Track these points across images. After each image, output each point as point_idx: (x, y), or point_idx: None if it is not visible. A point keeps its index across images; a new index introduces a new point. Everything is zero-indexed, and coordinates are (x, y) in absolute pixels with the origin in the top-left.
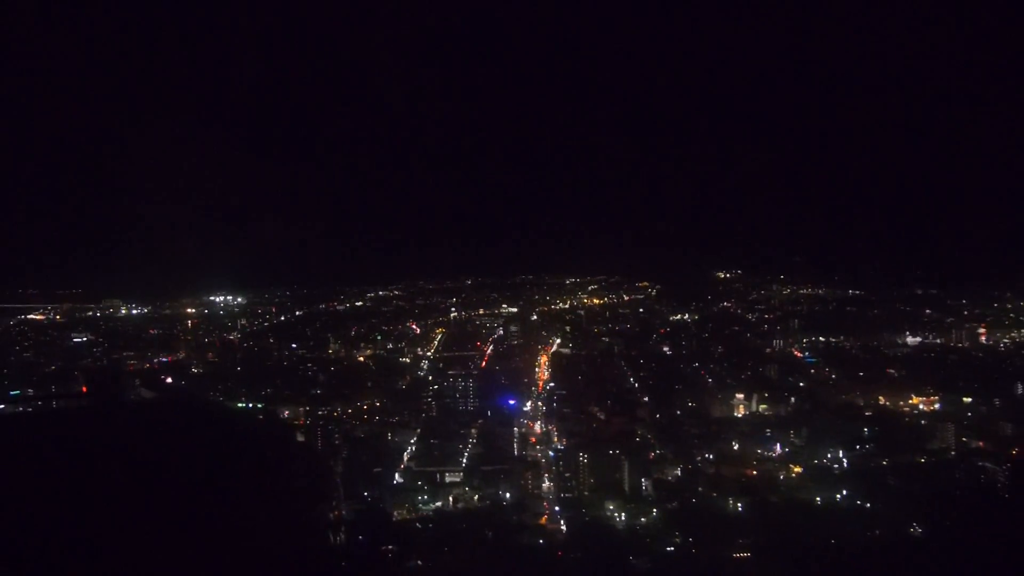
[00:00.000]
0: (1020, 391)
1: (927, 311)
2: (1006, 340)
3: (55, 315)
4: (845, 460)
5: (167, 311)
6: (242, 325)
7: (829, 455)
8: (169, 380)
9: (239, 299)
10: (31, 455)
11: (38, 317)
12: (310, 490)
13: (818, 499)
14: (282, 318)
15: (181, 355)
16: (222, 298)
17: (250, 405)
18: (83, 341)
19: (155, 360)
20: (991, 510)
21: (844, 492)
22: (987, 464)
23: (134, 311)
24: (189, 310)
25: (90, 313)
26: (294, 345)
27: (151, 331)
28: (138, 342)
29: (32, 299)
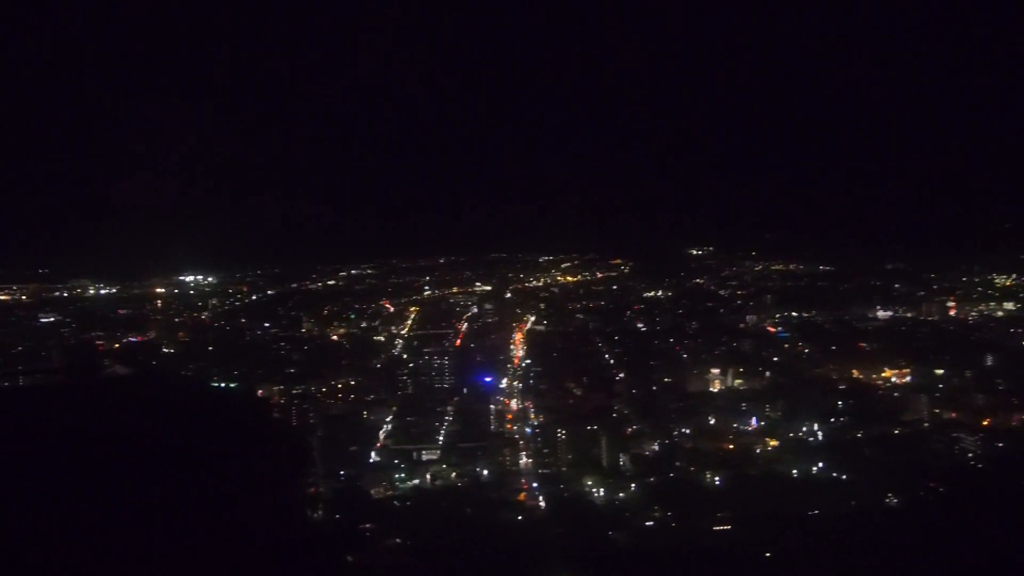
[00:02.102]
0: (990, 363)
1: (897, 285)
2: (974, 313)
3: (21, 295)
4: (820, 433)
5: (136, 291)
6: (213, 305)
7: (804, 428)
8: (141, 359)
9: (210, 279)
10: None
11: (3, 298)
12: (287, 467)
13: (795, 471)
14: (254, 297)
15: (151, 335)
16: (192, 278)
17: (223, 384)
18: (51, 321)
19: (125, 340)
20: (965, 479)
21: (820, 464)
22: (960, 434)
23: (102, 291)
24: (159, 290)
25: (57, 294)
26: (267, 324)
27: (120, 311)
28: (107, 322)
29: None
